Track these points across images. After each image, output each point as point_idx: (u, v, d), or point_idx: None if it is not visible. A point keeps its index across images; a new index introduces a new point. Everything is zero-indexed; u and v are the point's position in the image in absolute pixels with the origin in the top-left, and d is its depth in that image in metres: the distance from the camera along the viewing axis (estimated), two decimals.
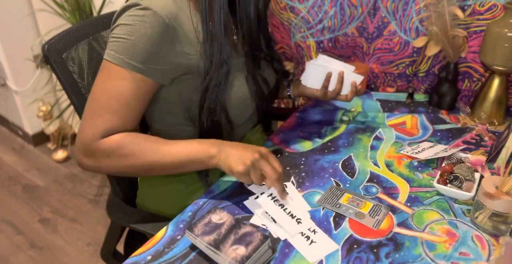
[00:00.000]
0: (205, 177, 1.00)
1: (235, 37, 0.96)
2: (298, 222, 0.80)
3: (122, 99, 0.81)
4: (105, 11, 1.90)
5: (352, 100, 1.26)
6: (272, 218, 0.81)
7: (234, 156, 0.80)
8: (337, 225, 0.81)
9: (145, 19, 0.79)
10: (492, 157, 0.99)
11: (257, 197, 0.87)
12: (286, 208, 0.83)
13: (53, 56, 0.90)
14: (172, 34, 0.81)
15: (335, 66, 1.06)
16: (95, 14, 1.95)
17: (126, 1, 0.86)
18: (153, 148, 0.82)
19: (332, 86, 1.06)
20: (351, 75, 1.06)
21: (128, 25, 0.79)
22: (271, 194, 0.86)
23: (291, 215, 0.82)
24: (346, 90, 1.07)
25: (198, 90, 0.89)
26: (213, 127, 0.92)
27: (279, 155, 0.98)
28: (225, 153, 0.81)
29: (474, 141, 1.10)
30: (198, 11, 0.85)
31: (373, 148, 1.06)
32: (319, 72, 1.06)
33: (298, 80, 1.14)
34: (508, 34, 1.05)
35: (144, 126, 1.07)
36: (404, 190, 0.91)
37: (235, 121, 0.95)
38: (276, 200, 0.85)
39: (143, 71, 0.81)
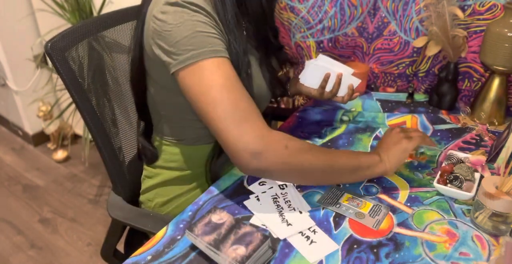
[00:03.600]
0: (209, 172, 0.99)
1: (244, 33, 0.95)
2: (297, 223, 0.80)
3: (236, 85, 0.76)
4: (105, 11, 1.90)
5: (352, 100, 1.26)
6: (271, 218, 0.81)
7: (396, 154, 0.89)
8: (337, 225, 0.81)
9: (195, 9, 0.77)
10: (492, 157, 0.99)
11: (258, 197, 0.87)
12: (286, 208, 0.83)
13: (55, 54, 0.90)
14: (215, 19, 0.80)
15: (334, 67, 1.06)
16: (95, 14, 1.95)
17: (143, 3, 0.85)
18: (320, 149, 0.84)
19: (329, 87, 1.06)
20: (349, 78, 1.06)
21: (183, 22, 0.76)
22: (271, 194, 0.86)
23: (292, 212, 0.82)
24: (343, 92, 1.07)
25: None
26: None
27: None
28: (387, 157, 0.89)
29: (474, 141, 1.10)
30: (214, 4, 0.83)
31: (373, 148, 1.05)
32: (318, 72, 1.06)
33: (296, 78, 1.14)
34: (508, 34, 1.05)
35: (146, 123, 1.07)
36: (404, 190, 0.91)
37: None
38: (276, 200, 0.85)
39: (226, 53, 0.79)
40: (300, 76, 1.10)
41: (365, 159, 0.87)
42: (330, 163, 0.81)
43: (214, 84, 0.74)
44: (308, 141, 0.88)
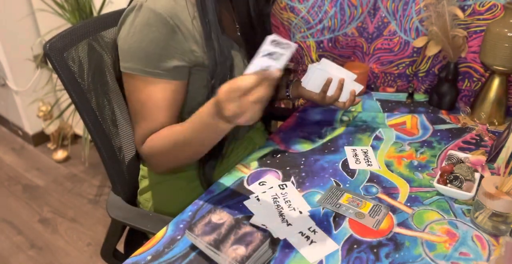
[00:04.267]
0: (202, 175, 1.00)
1: (238, 34, 0.96)
2: (297, 223, 0.80)
3: (153, 105, 0.85)
4: (105, 11, 1.90)
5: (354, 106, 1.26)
6: (271, 218, 0.81)
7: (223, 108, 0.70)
8: (337, 225, 0.81)
9: (151, 22, 0.79)
10: (492, 157, 0.99)
11: (258, 197, 0.87)
12: (286, 208, 0.83)
13: (54, 55, 0.90)
14: (178, 33, 0.82)
15: (337, 72, 1.06)
16: (95, 14, 1.95)
17: (130, 2, 0.86)
18: (173, 132, 0.84)
19: (330, 92, 1.06)
20: (352, 84, 1.06)
21: (136, 32, 0.80)
22: (271, 194, 0.86)
23: (292, 212, 0.82)
24: (344, 97, 1.07)
25: (204, 88, 0.89)
26: None
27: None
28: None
29: (474, 141, 1.10)
30: (196, 9, 0.85)
31: (373, 148, 1.05)
32: (320, 76, 1.06)
33: (297, 81, 1.14)
34: (508, 34, 1.05)
35: None
36: (404, 190, 0.91)
37: None
38: (276, 200, 0.85)
39: (163, 75, 0.83)
40: (302, 80, 1.10)
41: (205, 114, 0.76)
42: (185, 144, 0.82)
43: (134, 96, 0.86)
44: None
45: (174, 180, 1.01)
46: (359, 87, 1.07)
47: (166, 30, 0.80)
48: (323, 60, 1.08)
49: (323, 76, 1.05)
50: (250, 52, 0.94)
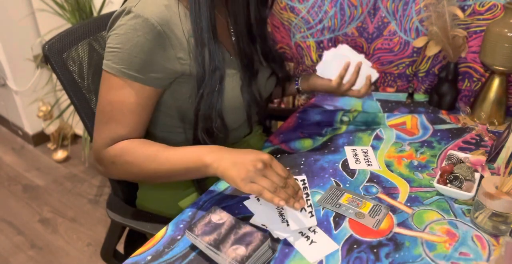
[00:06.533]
0: (197, 183, 1.00)
1: (232, 39, 0.94)
2: (297, 223, 0.80)
3: (125, 108, 0.83)
4: (105, 11, 1.90)
5: (352, 100, 1.26)
6: (270, 218, 0.81)
7: (233, 167, 0.74)
8: (337, 225, 0.81)
9: (137, 27, 0.79)
10: (492, 157, 0.99)
11: (257, 197, 0.87)
12: (286, 208, 0.83)
13: (53, 56, 0.90)
14: (165, 40, 0.81)
15: (355, 57, 1.05)
16: (95, 14, 1.95)
17: (123, 4, 0.86)
18: (151, 156, 0.82)
19: (346, 78, 1.04)
20: (368, 69, 1.04)
21: (121, 34, 0.80)
22: None
23: (292, 212, 0.82)
24: (359, 84, 1.05)
25: (191, 97, 0.89)
26: (207, 132, 0.91)
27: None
28: (223, 163, 0.75)
29: (474, 141, 1.10)
30: (190, 15, 0.84)
31: (373, 148, 1.05)
32: (337, 61, 1.03)
33: (307, 74, 1.13)
34: (508, 34, 1.05)
35: None
36: (404, 190, 0.91)
37: (229, 126, 0.94)
38: None
39: (141, 80, 0.82)
40: (317, 67, 1.07)
41: (196, 163, 0.78)
42: (156, 173, 0.82)
43: (106, 96, 0.84)
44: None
45: (171, 184, 1.00)
46: (375, 74, 1.05)
47: (151, 36, 0.79)
48: (341, 45, 1.06)
49: (340, 61, 1.03)
50: (244, 60, 0.93)
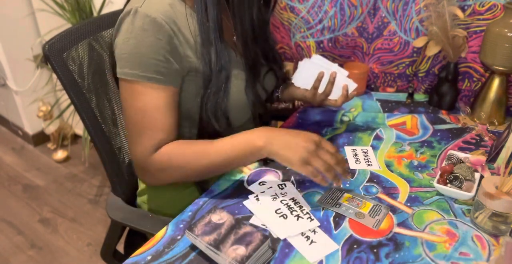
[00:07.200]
0: (199, 182, 1.00)
1: (234, 39, 0.95)
2: (297, 223, 0.80)
3: (156, 112, 0.82)
4: (105, 11, 1.90)
5: (352, 100, 1.26)
6: (270, 218, 0.81)
7: (287, 148, 0.78)
8: (337, 225, 0.81)
9: (146, 27, 0.78)
10: (492, 157, 0.99)
11: (257, 197, 0.87)
12: (285, 208, 0.83)
13: (53, 55, 0.90)
14: (173, 38, 0.81)
15: (329, 67, 1.05)
16: (95, 14, 1.95)
17: (126, 4, 0.85)
18: (201, 153, 0.83)
19: (321, 88, 1.04)
20: (344, 80, 1.04)
21: (131, 38, 0.79)
22: (271, 194, 0.86)
23: (293, 214, 0.82)
24: (336, 94, 1.04)
25: (198, 96, 0.89)
26: (212, 131, 0.92)
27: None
28: (276, 144, 0.79)
29: (474, 141, 1.10)
30: (196, 15, 0.84)
31: (373, 148, 1.05)
32: (312, 71, 1.04)
33: (288, 83, 1.13)
34: (508, 34, 1.05)
35: None
36: (404, 190, 0.91)
37: (233, 125, 0.94)
38: (276, 200, 0.85)
39: (161, 81, 0.82)
40: (293, 76, 1.09)
41: (248, 148, 0.81)
42: (209, 167, 0.83)
43: (133, 105, 0.83)
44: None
45: (172, 183, 1.00)
46: (352, 84, 1.04)
47: (161, 35, 0.79)
48: (314, 55, 1.07)
49: (315, 70, 1.03)
50: (249, 60, 0.94)
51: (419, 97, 1.32)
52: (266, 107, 1.04)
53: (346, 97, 1.04)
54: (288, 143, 0.79)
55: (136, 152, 0.84)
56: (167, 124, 0.84)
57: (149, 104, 0.82)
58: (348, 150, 1.04)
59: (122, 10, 0.85)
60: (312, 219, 0.81)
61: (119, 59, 0.82)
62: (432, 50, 1.22)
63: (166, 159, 0.83)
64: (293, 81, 1.09)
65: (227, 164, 0.83)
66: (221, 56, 0.86)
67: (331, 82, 1.03)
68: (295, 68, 1.10)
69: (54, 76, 2.27)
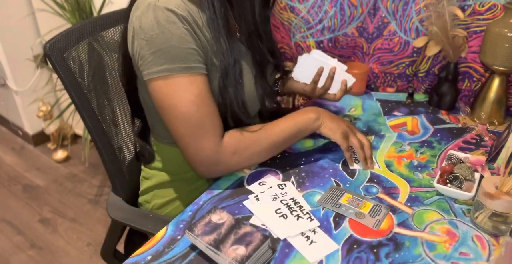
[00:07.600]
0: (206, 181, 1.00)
1: (238, 35, 0.95)
2: (297, 223, 0.80)
3: (206, 101, 0.82)
4: (105, 11, 1.90)
5: (352, 100, 1.26)
6: (270, 218, 0.81)
7: (333, 121, 0.94)
8: (337, 225, 0.81)
9: (172, 20, 0.78)
10: (492, 157, 0.99)
11: (257, 197, 0.87)
12: (285, 208, 0.83)
13: (54, 55, 0.90)
14: (196, 30, 0.81)
15: (328, 61, 1.06)
16: (95, 14, 1.95)
17: (130, 3, 0.85)
18: (262, 133, 0.89)
19: (321, 83, 1.06)
20: (343, 74, 1.05)
21: (159, 33, 0.78)
22: (271, 194, 0.86)
23: (292, 214, 0.82)
24: (335, 88, 1.06)
25: (215, 89, 0.88)
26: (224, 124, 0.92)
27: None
28: (325, 117, 0.94)
29: (474, 141, 1.10)
30: (204, 10, 0.84)
31: (373, 148, 1.05)
32: (311, 65, 1.05)
33: (287, 77, 1.14)
34: (508, 34, 1.06)
35: (142, 122, 1.07)
36: (404, 190, 0.91)
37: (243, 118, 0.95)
38: (276, 200, 0.85)
39: (201, 69, 0.82)
40: (293, 71, 1.09)
41: (304, 122, 0.93)
42: (274, 144, 0.91)
43: (183, 100, 0.80)
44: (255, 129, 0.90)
45: (176, 181, 1.01)
46: (351, 79, 1.05)
47: (187, 24, 0.79)
48: (314, 50, 1.08)
49: (314, 65, 1.04)
50: (256, 56, 0.96)
51: (419, 97, 1.32)
52: (275, 102, 1.08)
53: (345, 91, 1.06)
54: (334, 117, 0.95)
55: (204, 148, 0.83)
56: (218, 111, 0.85)
57: (199, 94, 0.81)
58: None
59: (124, 10, 0.84)
60: (312, 219, 0.81)
61: (149, 59, 0.79)
62: (432, 50, 1.22)
63: (235, 143, 0.86)
64: (292, 75, 1.10)
65: (286, 141, 0.92)
66: (233, 49, 0.87)
67: (331, 77, 1.04)
68: (295, 63, 1.10)
69: (54, 76, 2.28)
